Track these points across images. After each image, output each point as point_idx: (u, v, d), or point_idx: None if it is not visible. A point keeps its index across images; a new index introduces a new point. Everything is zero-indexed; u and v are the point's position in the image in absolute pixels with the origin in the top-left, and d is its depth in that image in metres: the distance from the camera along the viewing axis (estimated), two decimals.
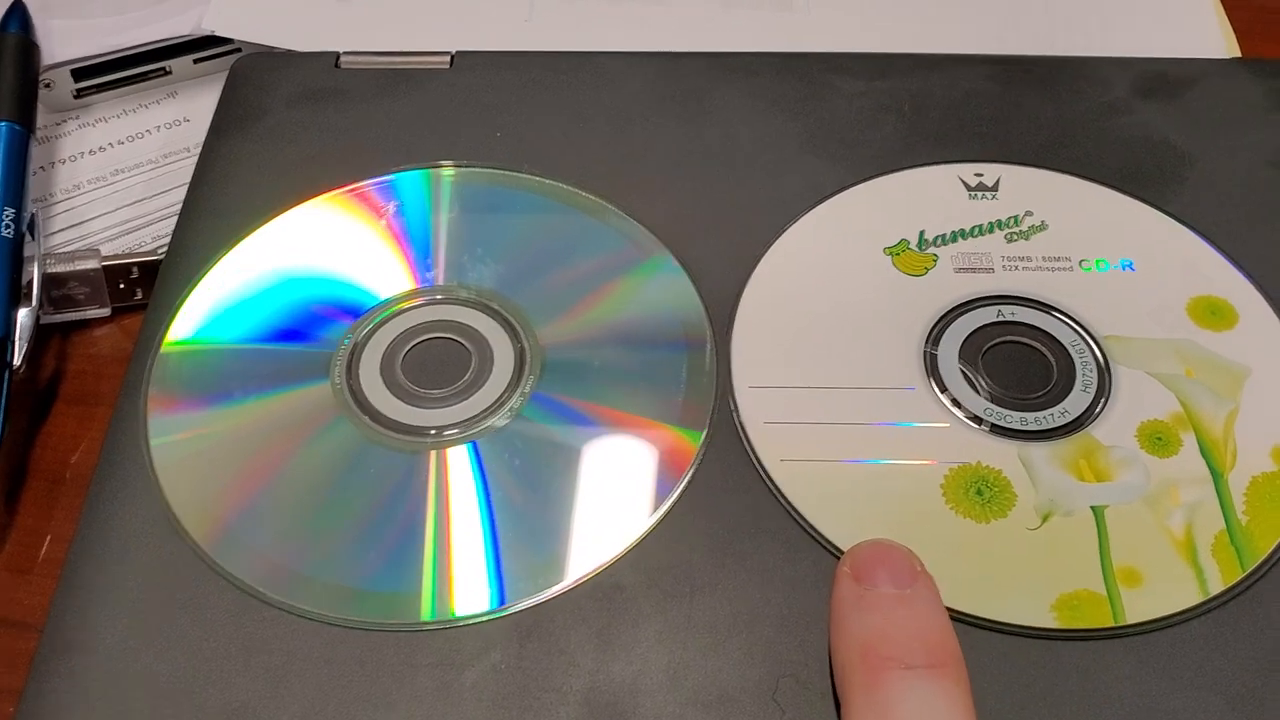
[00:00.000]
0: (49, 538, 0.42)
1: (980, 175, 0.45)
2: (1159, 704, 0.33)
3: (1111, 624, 0.34)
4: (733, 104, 0.47)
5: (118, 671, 0.34)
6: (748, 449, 0.38)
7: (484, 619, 0.35)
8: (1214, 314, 0.41)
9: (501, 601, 0.35)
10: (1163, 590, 0.35)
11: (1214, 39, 0.53)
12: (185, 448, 0.38)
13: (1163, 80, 0.48)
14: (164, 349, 0.40)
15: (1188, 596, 0.35)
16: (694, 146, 0.46)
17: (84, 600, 0.35)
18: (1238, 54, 0.52)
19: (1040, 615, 0.35)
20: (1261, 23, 0.55)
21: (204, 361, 0.40)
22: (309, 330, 0.41)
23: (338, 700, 0.33)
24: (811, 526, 0.36)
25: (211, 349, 0.41)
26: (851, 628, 0.31)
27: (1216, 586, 0.35)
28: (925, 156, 0.46)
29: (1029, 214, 0.44)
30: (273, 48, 0.52)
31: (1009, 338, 0.41)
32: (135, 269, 0.46)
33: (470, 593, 0.35)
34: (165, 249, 0.44)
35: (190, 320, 0.41)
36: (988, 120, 0.47)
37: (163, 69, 0.54)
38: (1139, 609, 0.35)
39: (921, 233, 0.43)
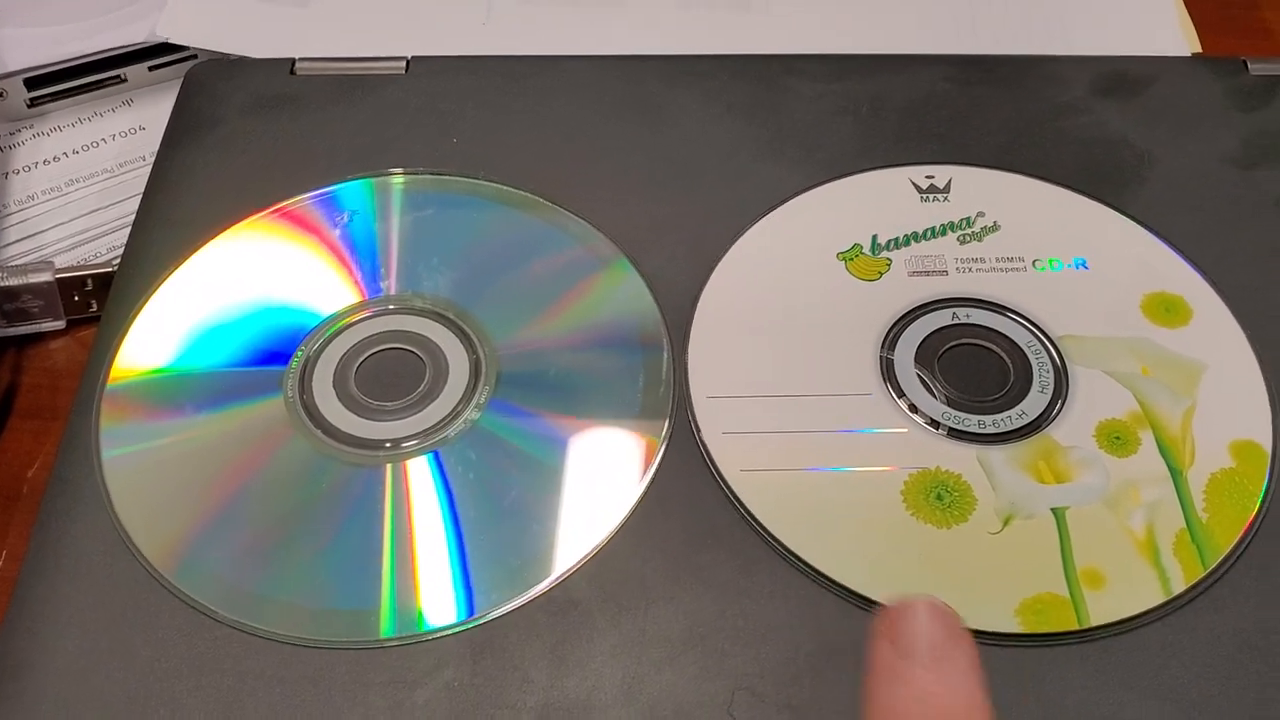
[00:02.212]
0: (4, 554, 0.41)
1: (931, 177, 0.45)
2: (1115, 714, 0.33)
3: (1075, 626, 0.34)
4: (690, 108, 0.47)
5: (68, 692, 0.33)
6: (706, 459, 0.38)
7: (439, 635, 0.34)
8: (1168, 310, 0.41)
9: (471, 612, 0.35)
10: (1125, 591, 0.35)
11: (1174, 36, 0.53)
12: (137, 463, 0.38)
13: (1122, 79, 0.48)
14: (117, 367, 0.40)
15: (1151, 597, 0.35)
16: (651, 151, 0.46)
17: (34, 619, 0.35)
18: (1198, 49, 0.52)
19: (1005, 620, 0.34)
20: (1219, 17, 0.55)
21: (156, 378, 0.40)
22: (260, 346, 0.41)
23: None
24: (773, 537, 0.36)
25: (164, 365, 0.40)
26: (882, 698, 0.29)
27: (1179, 586, 0.35)
28: (882, 159, 0.45)
29: (981, 215, 0.44)
30: (227, 54, 0.51)
31: (965, 340, 0.41)
32: (90, 281, 0.46)
33: (438, 605, 0.35)
34: (120, 260, 0.44)
35: (143, 338, 0.41)
36: (946, 121, 0.47)
37: (118, 77, 0.53)
38: (1102, 611, 0.35)
39: (874, 237, 0.43)
